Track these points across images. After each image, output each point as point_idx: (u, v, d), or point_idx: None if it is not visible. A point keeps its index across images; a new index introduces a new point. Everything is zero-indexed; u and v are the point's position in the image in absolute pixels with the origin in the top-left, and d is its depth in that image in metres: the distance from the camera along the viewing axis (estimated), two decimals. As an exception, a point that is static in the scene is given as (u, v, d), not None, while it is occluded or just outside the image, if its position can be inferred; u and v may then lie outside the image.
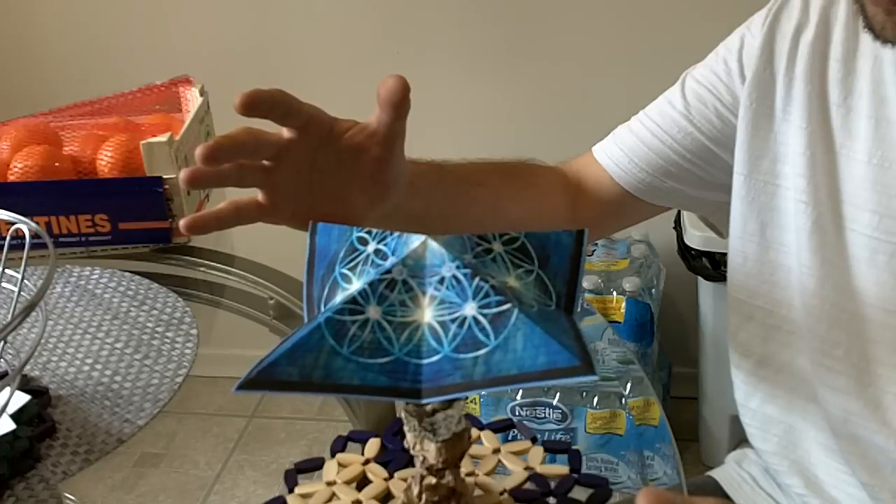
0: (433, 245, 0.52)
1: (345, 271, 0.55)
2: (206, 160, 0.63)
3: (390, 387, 0.49)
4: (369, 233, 0.56)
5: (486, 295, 0.50)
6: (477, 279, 0.51)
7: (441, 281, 0.51)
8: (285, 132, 0.67)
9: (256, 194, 0.69)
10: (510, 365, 0.47)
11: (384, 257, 0.54)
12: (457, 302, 0.51)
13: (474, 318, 0.50)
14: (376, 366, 0.50)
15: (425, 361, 0.50)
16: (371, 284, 0.52)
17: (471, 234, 0.55)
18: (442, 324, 0.50)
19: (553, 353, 0.47)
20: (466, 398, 0.57)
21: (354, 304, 0.52)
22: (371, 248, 0.55)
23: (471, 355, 0.49)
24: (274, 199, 0.68)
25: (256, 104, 0.63)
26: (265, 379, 0.49)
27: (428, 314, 0.51)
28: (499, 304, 0.49)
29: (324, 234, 0.60)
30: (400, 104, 0.64)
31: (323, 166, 0.68)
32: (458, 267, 0.51)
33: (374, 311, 0.51)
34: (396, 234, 0.55)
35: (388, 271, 0.52)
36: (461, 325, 0.50)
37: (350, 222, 0.71)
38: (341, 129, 0.68)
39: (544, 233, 0.56)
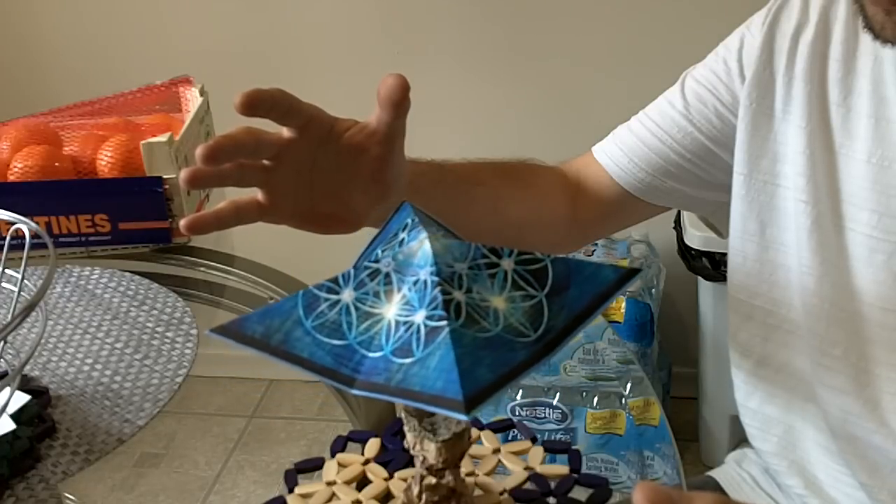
0: (427, 246, 0.52)
1: (379, 252, 0.56)
2: (207, 160, 0.63)
3: (331, 369, 0.50)
4: (412, 220, 0.56)
5: (435, 307, 0.49)
6: (437, 289, 0.49)
7: (416, 283, 0.51)
8: (285, 132, 0.67)
9: (256, 194, 0.69)
10: (418, 381, 0.47)
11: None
12: (415, 307, 0.50)
13: (418, 327, 0.49)
14: (328, 345, 0.50)
15: (371, 355, 0.50)
16: (356, 268, 0.52)
17: (471, 234, 0.54)
18: (396, 323, 0.50)
19: (449, 381, 0.46)
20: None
21: (334, 284, 0.52)
22: (401, 236, 0.55)
23: (399, 361, 0.49)
24: (274, 198, 0.68)
25: (256, 104, 0.63)
26: (234, 329, 0.51)
27: (393, 311, 0.51)
28: (439, 318, 0.49)
29: (399, 214, 0.59)
30: (400, 103, 0.64)
31: (323, 166, 0.68)
32: (431, 273, 0.50)
33: (347, 295, 0.52)
34: (418, 228, 0.54)
35: (378, 260, 0.53)
36: (407, 330, 0.50)
37: (350, 222, 0.71)
38: (341, 128, 0.68)
39: (580, 261, 0.53)
